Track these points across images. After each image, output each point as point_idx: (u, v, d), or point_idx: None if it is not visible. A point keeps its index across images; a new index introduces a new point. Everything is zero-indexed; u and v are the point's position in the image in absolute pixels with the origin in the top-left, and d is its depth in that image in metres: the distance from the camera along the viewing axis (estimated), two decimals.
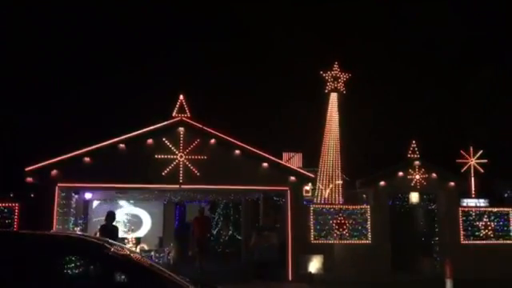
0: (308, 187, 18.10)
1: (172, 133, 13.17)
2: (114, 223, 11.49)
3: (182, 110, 13.25)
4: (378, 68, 33.77)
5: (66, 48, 35.43)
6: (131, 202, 18.19)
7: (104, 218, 11.70)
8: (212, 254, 19.72)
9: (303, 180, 14.47)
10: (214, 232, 23.43)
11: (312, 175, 15.50)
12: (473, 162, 21.44)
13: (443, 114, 33.14)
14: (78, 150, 12.53)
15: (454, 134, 28.69)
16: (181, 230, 19.61)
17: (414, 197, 16.55)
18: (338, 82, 19.08)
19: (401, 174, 15.39)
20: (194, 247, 15.49)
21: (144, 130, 13.04)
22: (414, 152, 15.56)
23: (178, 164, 12.99)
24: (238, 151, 13.50)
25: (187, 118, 13.26)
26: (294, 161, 22.71)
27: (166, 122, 13.22)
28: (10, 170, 14.62)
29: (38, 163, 12.30)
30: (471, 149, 22.47)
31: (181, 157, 13.01)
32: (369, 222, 14.77)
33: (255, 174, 13.47)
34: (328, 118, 19.12)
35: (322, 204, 16.34)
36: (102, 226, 11.37)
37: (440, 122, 32.49)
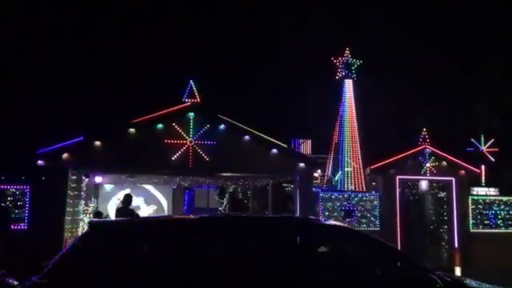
0: (317, 174, 18.10)
1: (182, 118, 13.18)
2: (130, 207, 11.49)
3: (191, 96, 13.26)
4: (390, 55, 33.43)
5: (77, 32, 35.48)
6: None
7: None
8: None
9: (312, 166, 14.46)
10: None
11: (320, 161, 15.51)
12: (484, 150, 21.29)
13: (454, 102, 32.82)
14: (89, 133, 12.62)
15: (466, 122, 28.44)
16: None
17: (424, 185, 16.50)
18: (350, 69, 18.97)
19: (411, 161, 15.33)
20: None
21: (154, 114, 13.07)
22: (424, 140, 15.47)
23: (187, 149, 13.02)
24: (247, 137, 13.50)
25: (197, 103, 13.26)
26: (303, 148, 22.73)
27: (176, 107, 13.24)
28: (22, 153, 14.76)
29: (49, 146, 12.41)
30: (482, 137, 22.33)
31: (190, 142, 13.04)
32: (378, 209, 14.78)
33: (264, 160, 13.47)
34: (341, 104, 19.06)
35: (331, 190, 16.36)
36: (118, 209, 11.40)
37: (451, 111, 32.19)
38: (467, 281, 4.95)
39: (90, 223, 4.61)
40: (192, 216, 5.25)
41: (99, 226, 4.64)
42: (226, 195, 23.72)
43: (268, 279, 4.07)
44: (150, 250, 4.13)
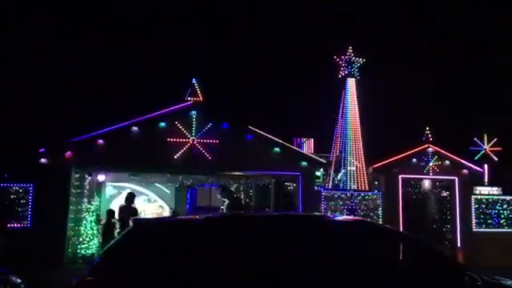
0: (319, 173, 18.08)
1: (184, 116, 13.19)
2: (132, 205, 11.46)
3: (194, 94, 13.26)
4: (392, 54, 33.38)
5: (82, 30, 35.54)
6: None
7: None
8: None
9: (315, 165, 14.45)
10: None
11: (323, 160, 15.48)
12: (487, 149, 21.24)
13: (458, 101, 32.76)
14: (92, 132, 12.63)
15: (469, 122, 28.38)
16: (192, 214, 19.71)
17: (427, 184, 16.47)
18: (352, 67, 18.93)
19: (414, 160, 15.30)
20: None
21: (157, 113, 13.08)
22: (427, 139, 15.45)
23: (190, 148, 13.03)
24: (249, 136, 13.50)
25: (199, 101, 13.26)
26: (305, 146, 22.70)
27: (178, 106, 13.24)
28: (25, 151, 14.79)
29: (52, 144, 12.43)
30: (485, 136, 22.28)
31: (193, 140, 13.04)
32: (380, 209, 14.76)
33: (267, 159, 13.47)
34: (343, 103, 19.03)
35: (334, 189, 16.34)
36: (121, 207, 11.35)
37: (454, 110, 32.14)
38: (508, 281, 4.89)
39: (134, 221, 4.68)
40: (250, 214, 5.19)
41: (142, 223, 4.73)
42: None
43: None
44: (197, 248, 4.15)
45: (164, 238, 4.27)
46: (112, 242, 4.58)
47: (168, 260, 4.04)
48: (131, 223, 4.54)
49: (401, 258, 4.61)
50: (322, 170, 17.01)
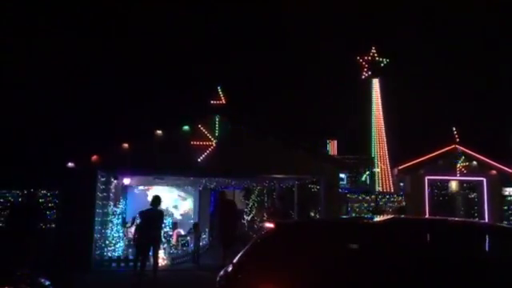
0: (343, 175, 17.93)
1: (208, 120, 13.25)
2: (158, 208, 11.43)
3: (217, 97, 13.31)
4: (417, 54, 32.89)
5: (104, 35, 36.12)
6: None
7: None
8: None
9: (339, 167, 14.33)
10: (249, 218, 23.58)
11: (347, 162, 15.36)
12: None
13: (485, 100, 32.06)
14: (118, 135, 12.81)
15: (497, 122, 27.72)
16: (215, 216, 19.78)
17: (454, 185, 16.16)
18: (376, 68, 18.73)
19: (441, 161, 15.04)
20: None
21: (181, 116, 13.18)
22: (454, 139, 15.16)
23: (213, 151, 13.08)
24: (273, 138, 13.47)
25: (222, 104, 13.29)
26: (329, 148, 22.51)
27: (201, 109, 13.32)
28: (53, 155, 15.09)
29: (78, 148, 12.64)
30: None
31: (216, 143, 13.09)
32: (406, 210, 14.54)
33: (290, 161, 13.41)
34: (368, 104, 18.85)
35: (358, 191, 16.18)
36: (148, 210, 11.32)
37: (482, 109, 31.45)
38: None
39: (276, 222, 5.10)
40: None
41: (282, 224, 5.21)
42: (252, 196, 23.75)
43: None
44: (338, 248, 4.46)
45: (303, 236, 4.65)
46: (252, 241, 4.96)
47: (305, 256, 4.37)
48: (269, 226, 4.92)
49: None
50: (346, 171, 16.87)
